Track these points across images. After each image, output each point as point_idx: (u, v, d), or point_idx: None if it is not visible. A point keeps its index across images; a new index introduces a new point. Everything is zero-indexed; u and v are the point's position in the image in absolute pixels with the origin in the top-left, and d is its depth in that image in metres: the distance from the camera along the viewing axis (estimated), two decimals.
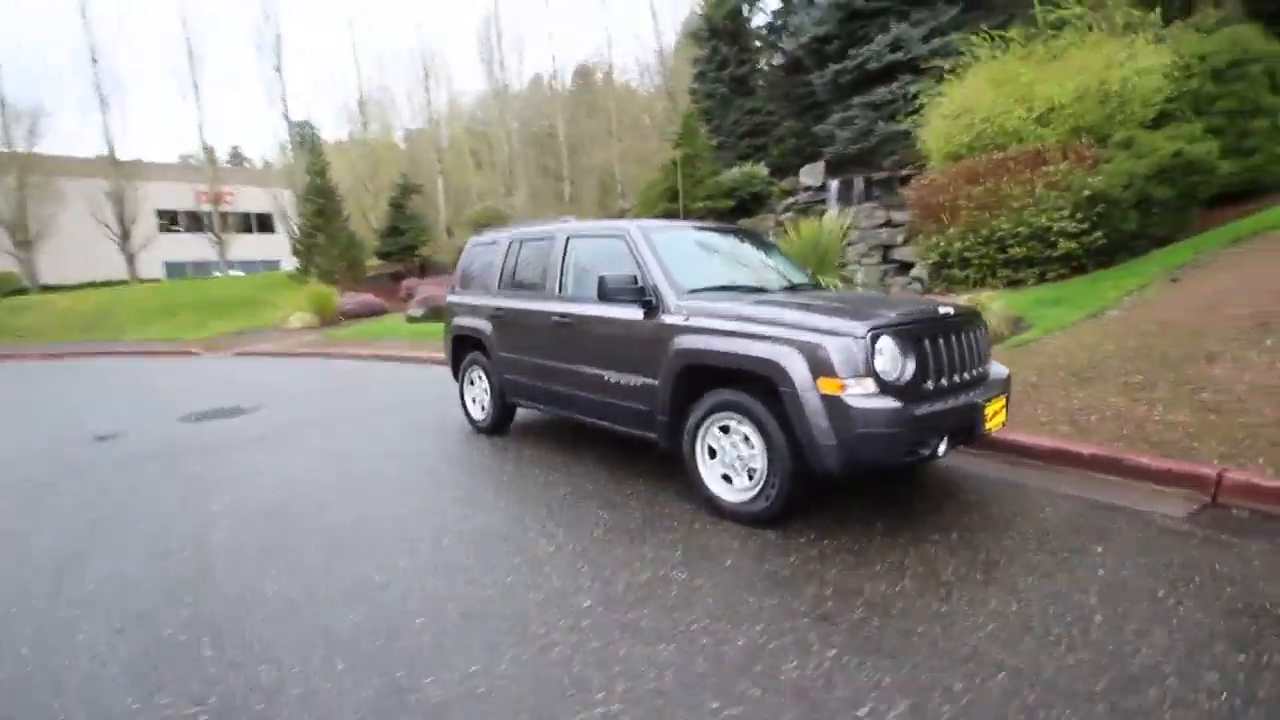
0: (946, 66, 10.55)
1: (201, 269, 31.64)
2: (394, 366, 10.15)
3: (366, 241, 22.19)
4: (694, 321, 3.38)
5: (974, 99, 9.66)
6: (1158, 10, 8.78)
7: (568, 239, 4.42)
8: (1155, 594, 2.46)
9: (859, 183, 16.81)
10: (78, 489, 4.42)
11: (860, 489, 3.61)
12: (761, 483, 3.11)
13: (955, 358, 3.16)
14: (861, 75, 17.21)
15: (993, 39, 10.11)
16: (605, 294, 3.63)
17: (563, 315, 4.21)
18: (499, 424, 5.18)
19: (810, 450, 2.89)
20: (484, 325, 5.00)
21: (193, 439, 5.74)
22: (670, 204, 18.19)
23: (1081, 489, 3.57)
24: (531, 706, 1.96)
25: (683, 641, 2.26)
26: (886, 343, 2.89)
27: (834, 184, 17.13)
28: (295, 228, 22.44)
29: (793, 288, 4.11)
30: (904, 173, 16.58)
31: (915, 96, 16.68)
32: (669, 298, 3.57)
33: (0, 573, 3.11)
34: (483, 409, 5.29)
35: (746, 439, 3.18)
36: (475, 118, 34.01)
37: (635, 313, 3.71)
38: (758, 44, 23.54)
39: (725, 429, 3.29)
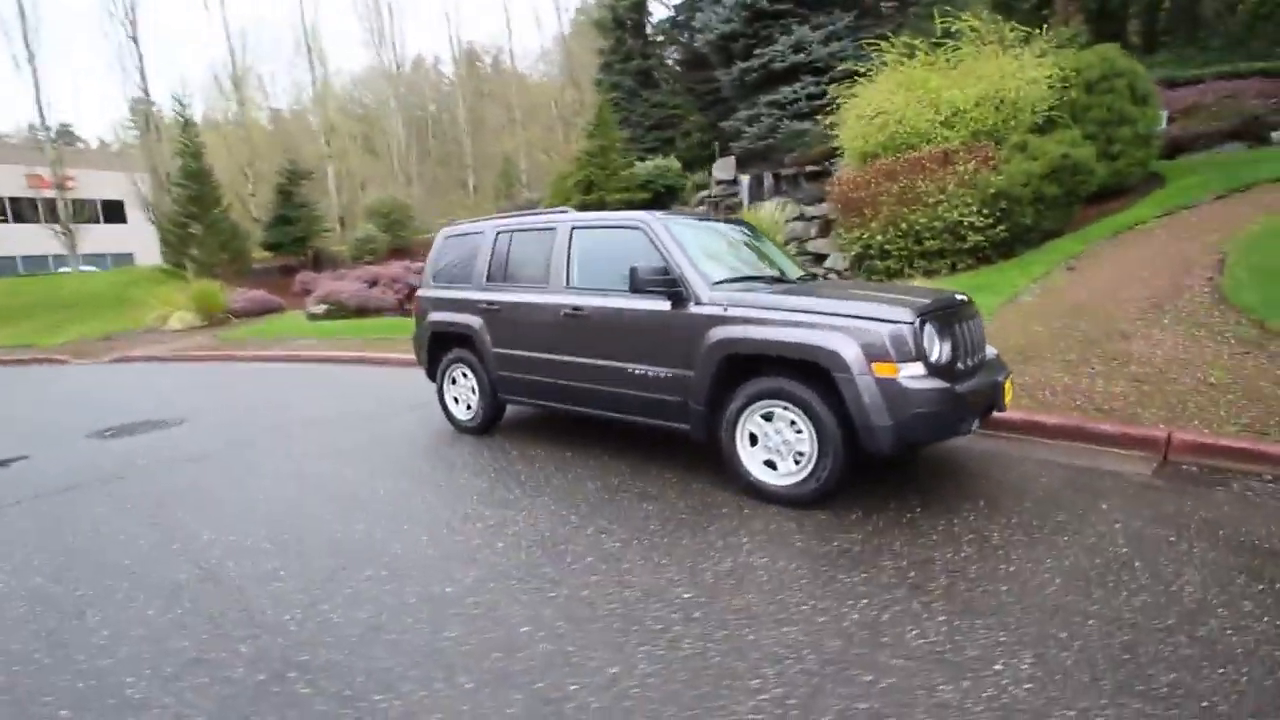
0: (862, 70, 11.24)
1: (37, 264, 27.38)
2: (317, 369, 9.40)
3: (249, 232, 20.24)
4: (734, 312, 3.45)
5: (886, 102, 10.39)
6: (1043, 28, 9.87)
7: (572, 229, 4.33)
8: (1169, 539, 2.86)
9: (768, 178, 17.52)
10: (11, 524, 3.77)
11: (862, 467, 3.85)
12: (812, 465, 3.25)
13: (972, 340, 3.45)
14: (766, 74, 17.94)
15: (897, 46, 10.91)
16: (638, 285, 3.61)
17: (575, 308, 4.13)
18: (489, 423, 4.99)
19: (865, 432, 3.06)
20: (472, 320, 4.78)
21: (119, 460, 5.04)
22: (586, 195, 18.10)
23: (1059, 455, 4.03)
24: (696, 700, 1.96)
25: (802, 622, 2.34)
26: (929, 327, 3.11)
27: (745, 179, 17.76)
28: (160, 216, 20.03)
29: (805, 279, 4.28)
30: (809, 169, 17.52)
31: (818, 97, 17.63)
32: (700, 289, 3.61)
33: None
34: (469, 408, 5.07)
35: (793, 424, 3.30)
36: (354, 99, 31.85)
37: (661, 304, 3.72)
38: (660, 39, 23.88)
39: (768, 416, 3.39)
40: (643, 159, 19.95)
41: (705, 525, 3.21)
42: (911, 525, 3.10)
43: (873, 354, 3.03)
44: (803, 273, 4.55)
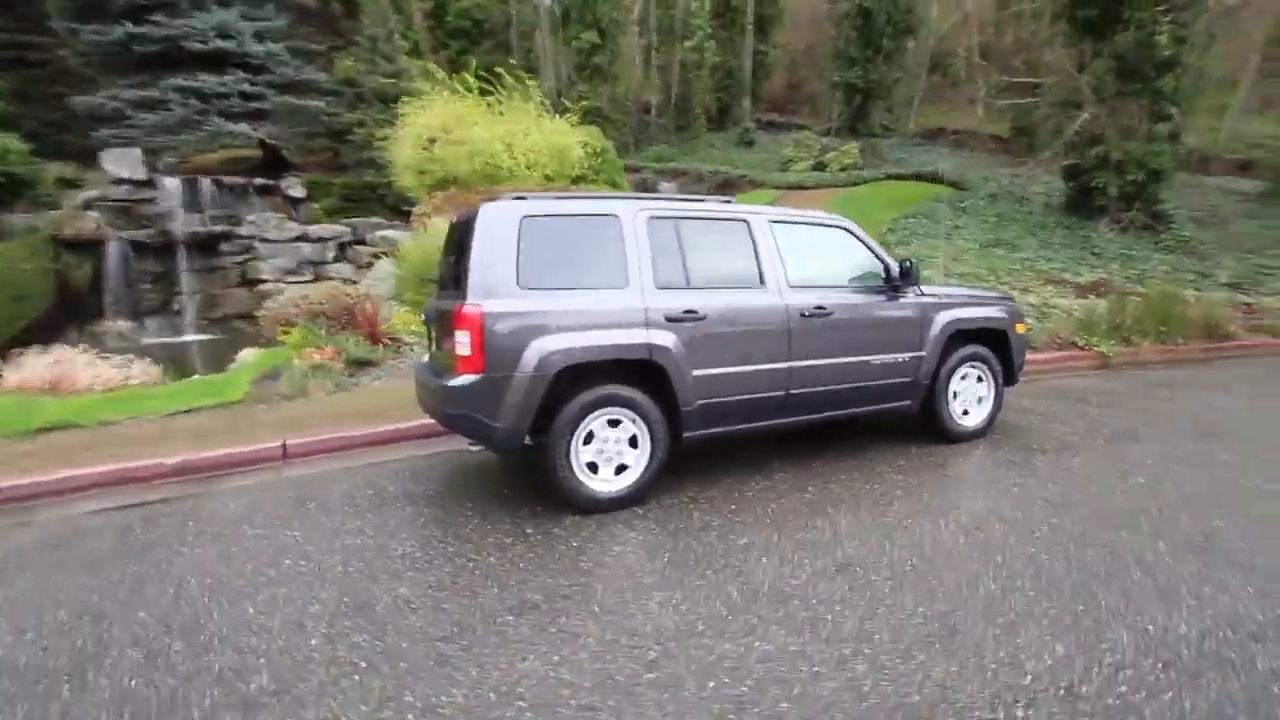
0: (414, 92, 10.95)
1: None
2: None
3: None
4: (947, 300, 4.33)
5: (466, 134, 10.69)
6: (575, 104, 12.37)
7: (771, 223, 3.87)
8: (1124, 389, 5.68)
9: (206, 184, 13.79)
10: None
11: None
12: (990, 406, 4.57)
13: None
14: (175, 51, 14.06)
15: (445, 82, 11.27)
16: (909, 280, 3.98)
17: (818, 307, 3.80)
18: (655, 479, 3.54)
19: (1017, 370, 4.66)
20: (660, 338, 3.35)
21: None
22: None
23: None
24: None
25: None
26: None
27: (172, 182, 13.27)
28: None
29: None
30: (259, 182, 14.92)
31: (255, 98, 15.33)
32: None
33: None
34: (619, 471, 3.41)
35: (979, 378, 4.53)
36: None
37: (880, 296, 4.14)
38: None
39: (963, 376, 4.48)
40: None
41: (955, 484, 4.03)
42: (1030, 446, 4.84)
43: (1016, 319, 4.66)
44: None
